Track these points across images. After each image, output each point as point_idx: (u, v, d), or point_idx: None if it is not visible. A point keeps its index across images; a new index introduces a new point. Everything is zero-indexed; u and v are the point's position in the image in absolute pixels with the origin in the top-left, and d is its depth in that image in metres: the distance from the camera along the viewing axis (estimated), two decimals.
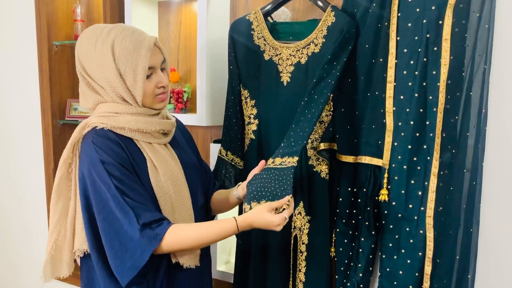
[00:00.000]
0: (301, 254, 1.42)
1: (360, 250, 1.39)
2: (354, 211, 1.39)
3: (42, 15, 2.04)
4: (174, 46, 1.84)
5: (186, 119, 1.66)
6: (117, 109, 1.10)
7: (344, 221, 1.40)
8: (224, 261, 1.81)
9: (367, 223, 1.36)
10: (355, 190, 1.38)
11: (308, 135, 1.26)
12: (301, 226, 1.41)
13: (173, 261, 1.13)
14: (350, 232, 1.40)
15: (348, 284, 1.42)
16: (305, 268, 1.42)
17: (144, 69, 1.08)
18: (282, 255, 1.42)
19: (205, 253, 1.26)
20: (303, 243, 1.41)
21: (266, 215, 1.07)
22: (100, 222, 1.04)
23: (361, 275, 1.39)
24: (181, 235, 1.05)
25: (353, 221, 1.39)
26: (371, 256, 1.38)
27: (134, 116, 1.10)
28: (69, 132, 2.17)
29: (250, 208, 1.13)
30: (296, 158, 1.21)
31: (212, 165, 1.57)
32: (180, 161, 1.19)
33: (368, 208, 1.35)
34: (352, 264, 1.42)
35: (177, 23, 1.84)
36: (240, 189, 1.27)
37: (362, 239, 1.38)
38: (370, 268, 1.41)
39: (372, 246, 1.38)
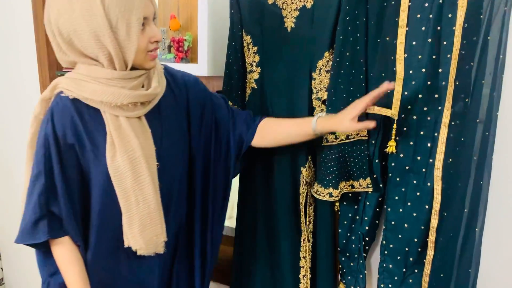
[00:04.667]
0: (310, 206, 1.40)
1: (367, 203, 1.36)
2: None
3: None
4: None
5: (187, 69, 1.59)
6: (94, 72, 1.02)
7: None
8: (228, 216, 1.80)
9: (374, 176, 1.32)
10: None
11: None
12: (311, 180, 1.38)
13: (125, 245, 1.08)
14: None
15: (353, 237, 1.40)
16: (313, 218, 1.41)
17: (139, 20, 0.98)
18: (291, 209, 1.40)
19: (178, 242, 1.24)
20: (311, 196, 1.39)
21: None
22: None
23: (367, 228, 1.37)
24: None
25: None
26: (377, 209, 1.36)
27: (103, 86, 1.01)
28: None
29: (330, 196, 1.25)
30: (364, 131, 1.26)
31: None
32: (156, 135, 1.11)
33: (377, 161, 1.31)
34: (357, 217, 1.39)
35: None
36: (320, 124, 1.17)
37: (369, 192, 1.35)
38: (376, 222, 1.38)
39: (379, 199, 1.35)
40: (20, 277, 2.66)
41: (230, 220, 1.78)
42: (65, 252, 1.09)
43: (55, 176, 1.04)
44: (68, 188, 1.05)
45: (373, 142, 1.30)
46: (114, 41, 0.97)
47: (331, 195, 1.28)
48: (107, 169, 1.03)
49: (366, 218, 1.37)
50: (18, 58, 2.26)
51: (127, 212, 1.05)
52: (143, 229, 1.06)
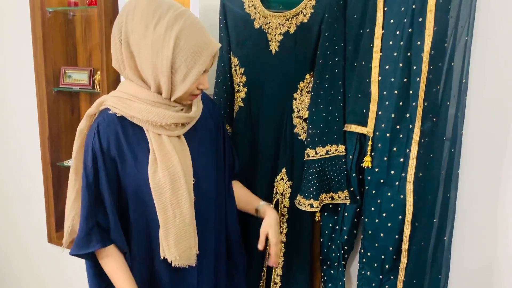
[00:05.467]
0: (282, 217, 1.49)
1: (346, 214, 1.45)
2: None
3: None
4: None
5: None
6: (140, 94, 1.08)
7: None
8: None
9: (352, 189, 1.42)
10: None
11: (341, 119, 1.37)
12: (283, 191, 1.47)
13: (161, 257, 1.12)
14: None
15: (333, 246, 1.49)
16: (286, 229, 1.49)
17: (199, 73, 1.05)
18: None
19: (209, 251, 1.25)
20: (284, 207, 1.48)
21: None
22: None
23: (346, 237, 1.46)
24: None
25: None
26: (355, 220, 1.45)
27: (148, 106, 1.07)
28: (64, 100, 2.22)
29: (311, 206, 1.34)
30: (342, 147, 1.37)
31: None
32: (193, 152, 1.16)
33: (354, 174, 1.41)
34: (337, 227, 1.48)
35: None
36: (263, 212, 1.32)
37: (347, 203, 1.44)
38: (355, 231, 1.48)
39: (357, 210, 1.44)
40: None
41: None
42: (114, 261, 1.12)
43: (102, 187, 1.09)
44: (113, 199, 1.10)
45: (350, 157, 1.40)
46: (169, 79, 1.04)
47: (312, 206, 1.37)
48: (146, 183, 1.08)
49: (344, 228, 1.46)
50: (15, 73, 2.33)
51: (165, 224, 1.09)
52: (178, 241, 1.09)
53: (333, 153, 1.38)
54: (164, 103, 1.09)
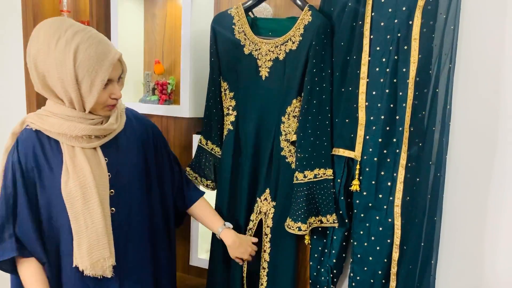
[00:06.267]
0: (266, 236, 1.50)
1: (334, 237, 1.46)
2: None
3: (28, 4, 2.05)
4: (159, 39, 1.88)
5: (170, 110, 1.71)
6: (56, 109, 1.15)
7: None
8: (206, 250, 1.87)
9: (340, 212, 1.43)
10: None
11: (328, 143, 1.41)
12: (267, 211, 1.49)
13: (73, 264, 1.15)
14: None
15: (322, 270, 1.49)
16: (269, 249, 1.50)
17: (103, 82, 1.10)
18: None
19: (133, 264, 1.27)
20: (268, 226, 1.49)
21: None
22: None
23: (334, 261, 1.47)
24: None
25: None
26: (344, 243, 1.46)
27: (61, 120, 1.13)
28: None
29: (299, 229, 1.39)
30: (330, 171, 1.41)
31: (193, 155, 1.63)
32: (112, 164, 1.21)
33: (342, 198, 1.42)
34: (326, 250, 1.49)
35: (162, 16, 1.87)
36: (221, 237, 1.45)
37: (335, 227, 1.45)
38: (343, 255, 1.48)
39: (345, 233, 1.45)
40: None
41: (208, 254, 1.85)
42: (30, 273, 1.16)
43: (19, 198, 1.15)
44: (32, 209, 1.15)
45: (339, 180, 1.41)
46: (77, 91, 1.10)
47: (300, 229, 1.38)
48: (60, 194, 1.13)
49: (333, 251, 1.46)
50: (7, 96, 2.33)
51: (77, 233, 1.13)
52: (91, 251, 1.12)
53: (321, 176, 1.40)
54: (78, 116, 1.14)
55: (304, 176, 1.39)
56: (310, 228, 1.41)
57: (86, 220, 1.12)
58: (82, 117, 1.15)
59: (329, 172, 1.40)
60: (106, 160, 1.20)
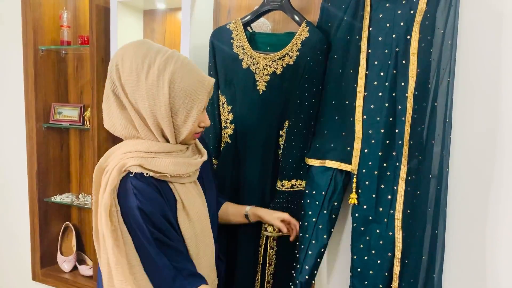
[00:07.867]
0: (272, 249, 1.48)
1: (309, 252, 1.40)
2: (310, 213, 1.42)
3: (28, 20, 2.08)
4: None
5: None
6: (153, 148, 1.03)
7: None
8: None
9: (320, 226, 1.40)
10: (313, 192, 1.42)
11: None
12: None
13: None
14: (301, 234, 1.43)
15: (292, 286, 1.43)
16: (275, 261, 1.48)
17: (199, 112, 1.04)
18: (252, 252, 1.49)
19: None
20: (273, 240, 1.47)
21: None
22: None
23: (306, 277, 1.40)
24: None
25: (305, 223, 1.42)
26: (318, 260, 1.41)
27: (172, 159, 1.03)
28: (53, 135, 2.22)
29: (265, 230, 1.42)
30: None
31: None
32: (206, 197, 1.19)
33: (325, 211, 1.39)
34: (298, 266, 1.43)
35: (161, 31, 1.89)
36: (252, 214, 1.38)
37: (313, 241, 1.40)
38: (315, 272, 1.42)
39: (322, 250, 1.40)
40: None
41: None
42: None
43: (173, 237, 1.04)
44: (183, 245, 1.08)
45: (323, 193, 1.40)
46: (171, 124, 1.02)
47: (266, 229, 1.43)
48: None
49: (306, 267, 1.41)
50: (5, 108, 2.33)
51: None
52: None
53: (297, 187, 1.44)
54: (175, 149, 1.06)
55: (282, 185, 1.44)
56: (275, 232, 1.42)
57: (204, 250, 1.14)
58: (179, 150, 1.07)
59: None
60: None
